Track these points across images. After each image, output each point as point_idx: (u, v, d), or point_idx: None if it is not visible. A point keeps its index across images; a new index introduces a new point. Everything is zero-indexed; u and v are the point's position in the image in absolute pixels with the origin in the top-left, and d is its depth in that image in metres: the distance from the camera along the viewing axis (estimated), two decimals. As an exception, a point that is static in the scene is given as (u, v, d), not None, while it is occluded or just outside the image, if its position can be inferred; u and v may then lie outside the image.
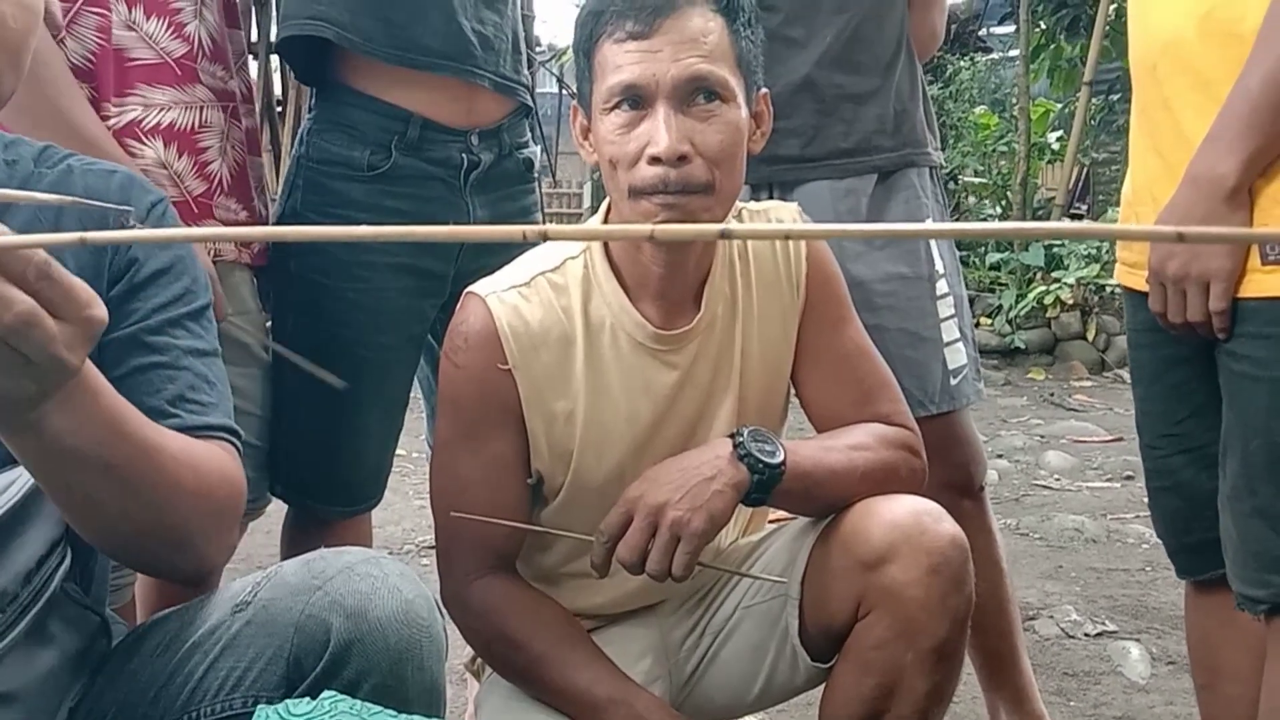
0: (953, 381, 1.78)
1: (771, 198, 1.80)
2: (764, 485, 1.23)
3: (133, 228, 1.04)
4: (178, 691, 0.97)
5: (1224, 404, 1.33)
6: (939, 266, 1.80)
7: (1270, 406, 1.27)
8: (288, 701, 0.84)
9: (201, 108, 1.55)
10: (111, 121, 1.47)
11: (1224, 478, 1.34)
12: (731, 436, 1.26)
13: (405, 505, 3.82)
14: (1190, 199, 1.26)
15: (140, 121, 1.50)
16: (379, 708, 0.85)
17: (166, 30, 1.52)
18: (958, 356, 1.79)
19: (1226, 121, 1.23)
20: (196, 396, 1.02)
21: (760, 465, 1.23)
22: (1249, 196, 1.24)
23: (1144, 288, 1.37)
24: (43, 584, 0.94)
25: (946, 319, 1.79)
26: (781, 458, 1.24)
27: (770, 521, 1.52)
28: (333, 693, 0.85)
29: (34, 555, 0.93)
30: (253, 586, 1.00)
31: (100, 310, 0.75)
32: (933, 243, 1.81)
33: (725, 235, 0.39)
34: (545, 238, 0.39)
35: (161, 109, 1.51)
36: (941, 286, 1.80)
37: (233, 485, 1.00)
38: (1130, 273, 1.44)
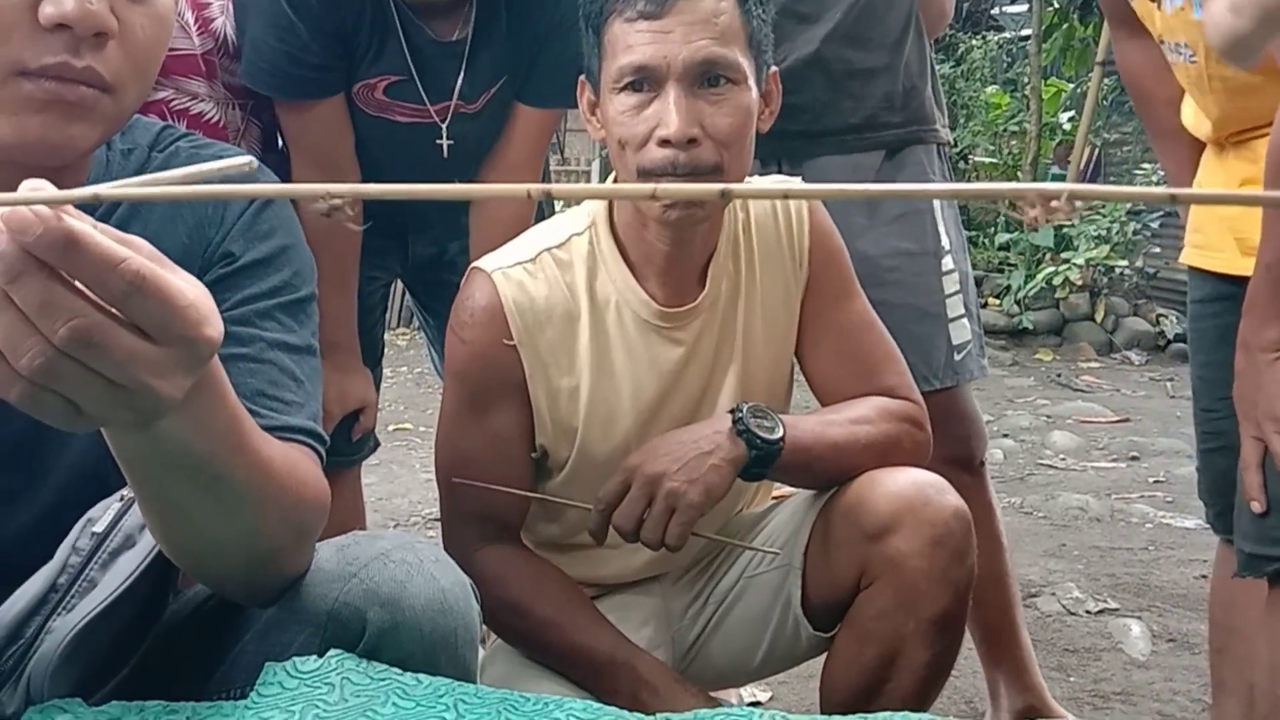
0: (956, 357, 1.79)
1: (780, 173, 1.80)
2: (762, 460, 1.25)
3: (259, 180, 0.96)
4: (209, 671, 0.94)
5: None
6: (945, 243, 1.81)
7: None
8: (295, 659, 0.85)
9: (226, 104, 1.56)
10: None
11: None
12: (732, 412, 1.27)
13: (411, 478, 3.84)
14: (1247, 363, 1.29)
15: (169, 101, 1.50)
16: (384, 665, 0.86)
17: (195, 24, 1.52)
18: (962, 332, 1.80)
19: (1258, 293, 1.27)
20: (279, 394, 0.93)
21: (758, 441, 1.24)
22: None
23: (1211, 267, 1.44)
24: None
25: (951, 295, 1.80)
26: (780, 434, 1.25)
27: (774, 497, 1.53)
28: (339, 650, 0.86)
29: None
30: None
31: (212, 331, 0.64)
32: (939, 219, 1.82)
33: (726, 194, 0.40)
34: (549, 196, 0.40)
35: (193, 97, 1.52)
36: (947, 263, 1.81)
37: (321, 501, 0.90)
38: (1199, 254, 1.51)
